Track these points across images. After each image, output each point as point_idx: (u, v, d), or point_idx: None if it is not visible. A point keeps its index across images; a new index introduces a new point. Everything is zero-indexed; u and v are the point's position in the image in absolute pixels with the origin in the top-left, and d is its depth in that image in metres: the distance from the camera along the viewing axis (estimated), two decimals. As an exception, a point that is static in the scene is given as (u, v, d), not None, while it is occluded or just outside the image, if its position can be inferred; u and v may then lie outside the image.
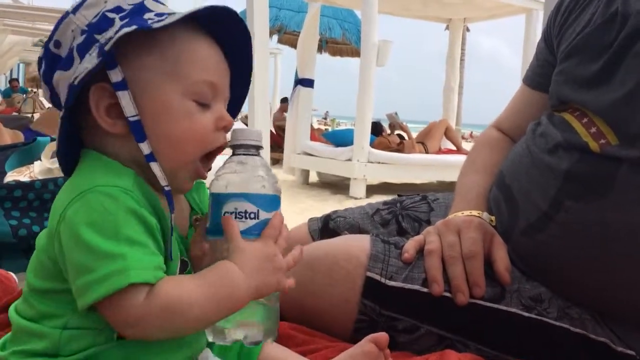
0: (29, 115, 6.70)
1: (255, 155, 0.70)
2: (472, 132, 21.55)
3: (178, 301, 0.59)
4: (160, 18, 0.65)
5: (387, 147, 5.96)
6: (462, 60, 8.24)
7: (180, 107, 0.66)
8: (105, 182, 0.61)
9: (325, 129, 9.63)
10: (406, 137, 6.49)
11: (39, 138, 1.55)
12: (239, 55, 0.75)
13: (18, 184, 1.22)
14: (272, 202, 0.68)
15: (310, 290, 0.93)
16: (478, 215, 0.96)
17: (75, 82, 0.62)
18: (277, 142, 7.12)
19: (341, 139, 6.13)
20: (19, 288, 0.91)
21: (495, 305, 0.88)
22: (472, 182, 1.08)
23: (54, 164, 1.43)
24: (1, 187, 1.20)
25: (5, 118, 4.13)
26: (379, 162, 5.66)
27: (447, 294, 0.88)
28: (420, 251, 0.92)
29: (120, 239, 0.58)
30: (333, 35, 9.92)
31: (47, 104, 9.57)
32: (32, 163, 1.49)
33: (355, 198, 5.46)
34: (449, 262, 0.89)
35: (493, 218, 0.98)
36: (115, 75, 0.64)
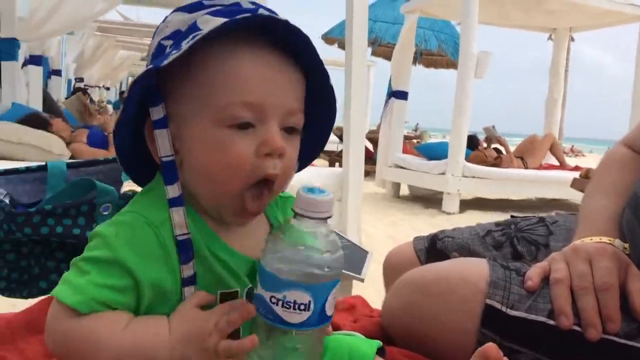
0: (137, 125, 7.10)
1: (322, 224, 0.59)
2: (573, 146, 20.44)
3: (96, 341, 0.60)
4: (184, 43, 0.61)
5: (484, 162, 5.77)
6: (565, 71, 7.82)
7: (213, 136, 0.62)
8: (141, 211, 0.64)
9: (417, 142, 9.48)
10: (504, 152, 6.25)
11: (152, 149, 1.61)
12: (312, 65, 0.68)
13: (134, 194, 1.27)
14: (329, 288, 0.59)
15: (421, 315, 0.89)
16: (610, 242, 0.88)
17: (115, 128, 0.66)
18: (368, 154, 7.10)
19: (435, 152, 6.01)
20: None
21: (631, 343, 0.80)
22: (601, 205, 0.99)
23: (167, 175, 1.49)
24: (120, 197, 1.25)
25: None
26: (474, 177, 5.49)
27: (576, 328, 0.81)
28: (545, 279, 0.86)
29: (97, 262, 0.62)
30: (429, 47, 9.78)
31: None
32: (146, 173, 1.56)
33: (448, 213, 5.32)
34: (579, 293, 0.81)
35: (627, 246, 0.89)
36: (157, 113, 0.64)
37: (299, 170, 0.75)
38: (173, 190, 0.64)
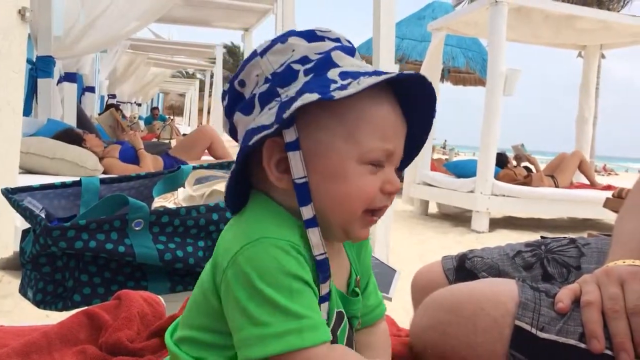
0: (167, 141, 7.23)
1: None
2: (605, 165, 20.02)
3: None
4: (344, 82, 0.63)
5: (513, 180, 5.70)
6: (596, 88, 7.71)
7: (356, 171, 0.66)
8: (276, 234, 0.62)
9: (446, 159, 9.41)
10: (534, 170, 6.16)
11: (182, 166, 1.64)
12: (419, 114, 0.72)
13: (166, 210, 1.29)
14: None
15: (451, 336, 0.88)
16: (643, 265, 0.86)
17: (250, 143, 0.63)
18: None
19: (463, 170, 5.97)
20: (167, 313, 0.96)
21: (665, 369, 0.78)
22: (635, 227, 0.97)
23: (197, 192, 1.51)
24: (151, 212, 1.28)
25: (146, 144, 4.49)
26: (504, 195, 5.43)
27: (608, 352, 0.79)
28: (576, 302, 0.84)
29: (293, 296, 0.60)
30: (456, 65, 9.76)
31: (183, 131, 10.31)
32: (177, 190, 1.59)
33: (478, 232, 5.26)
34: (611, 316, 0.80)
35: (661, 269, 0.87)
36: (290, 135, 0.64)
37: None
38: (307, 212, 0.65)
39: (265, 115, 0.64)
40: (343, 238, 0.71)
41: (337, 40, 0.69)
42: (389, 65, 3.11)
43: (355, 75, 0.64)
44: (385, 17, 3.06)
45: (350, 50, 0.69)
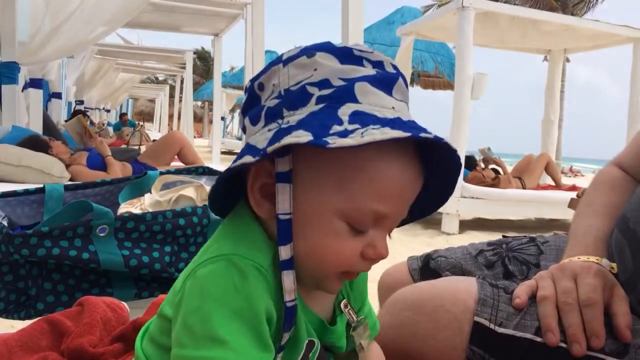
0: (137, 147, 7.15)
1: None
2: (572, 166, 20.48)
3: None
4: (349, 128, 0.54)
5: (482, 182, 5.80)
6: (561, 92, 7.89)
7: (329, 225, 0.59)
8: (245, 253, 0.58)
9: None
10: (501, 172, 6.28)
11: (149, 172, 1.63)
12: (440, 177, 0.64)
13: (131, 216, 1.28)
14: None
15: (413, 333, 0.90)
16: (597, 261, 0.90)
17: (232, 166, 0.58)
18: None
19: (433, 173, 6.03)
20: (131, 318, 0.95)
21: (618, 361, 0.81)
22: (590, 225, 1.01)
23: (163, 197, 1.51)
24: (116, 218, 1.27)
25: (115, 150, 4.43)
26: (473, 197, 5.51)
27: (563, 345, 0.82)
28: (532, 297, 0.87)
29: (232, 325, 0.55)
30: (425, 69, 9.88)
31: (153, 137, 10.20)
32: (143, 195, 1.58)
33: (448, 234, 5.33)
34: (564, 309, 0.83)
35: (614, 265, 0.91)
36: (282, 166, 0.58)
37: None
38: (286, 252, 0.60)
39: (264, 135, 0.58)
40: (313, 287, 0.64)
41: (379, 64, 0.61)
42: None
43: (367, 121, 0.55)
44: (353, 22, 3.09)
45: (388, 80, 0.60)
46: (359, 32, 3.17)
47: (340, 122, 0.55)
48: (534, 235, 1.21)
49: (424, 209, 0.68)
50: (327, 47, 0.60)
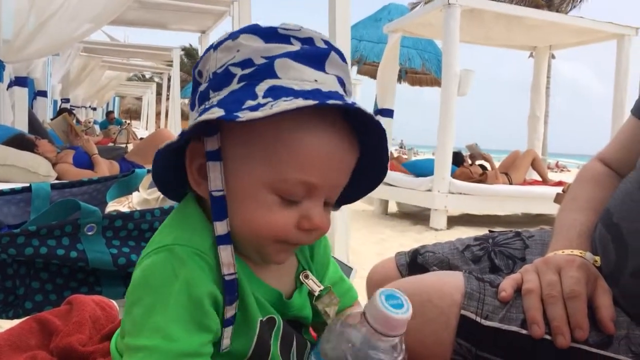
0: (124, 145, 7.10)
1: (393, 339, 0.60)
2: (558, 162, 20.67)
3: None
4: (262, 102, 0.57)
5: (469, 178, 5.83)
6: (547, 88, 7.96)
7: (260, 198, 0.61)
8: (184, 240, 0.61)
9: (405, 158, 9.55)
10: (489, 168, 6.32)
11: (137, 170, 1.63)
12: (373, 145, 0.65)
13: (119, 215, 1.28)
14: None
15: (401, 327, 0.91)
16: (580, 255, 0.91)
17: (161, 147, 0.60)
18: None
19: (421, 169, 6.06)
20: (120, 316, 0.95)
21: (602, 352, 0.82)
22: (574, 220, 1.02)
23: (151, 195, 1.51)
24: (104, 217, 1.26)
25: (102, 149, 4.41)
26: (461, 193, 5.54)
27: (548, 337, 0.83)
28: (518, 290, 0.88)
29: (168, 314, 0.57)
30: (413, 65, 9.91)
31: (140, 135, 10.14)
32: (131, 194, 1.57)
33: (436, 229, 5.36)
34: (549, 302, 0.84)
35: (597, 259, 0.92)
36: (211, 144, 0.61)
37: (340, 206, 0.76)
38: (222, 227, 0.61)
39: (192, 117, 0.62)
40: (259, 261, 0.66)
41: (308, 41, 0.62)
42: (344, 66, 3.14)
43: (281, 94, 0.57)
44: (340, 19, 3.09)
45: (316, 55, 0.62)
46: (345, 28, 3.17)
47: (255, 97, 0.57)
48: (519, 230, 1.23)
49: (365, 188, 0.72)
50: (251, 29, 0.62)
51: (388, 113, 6.43)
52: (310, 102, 0.55)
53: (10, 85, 5.24)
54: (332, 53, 0.63)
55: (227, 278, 0.61)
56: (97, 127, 10.92)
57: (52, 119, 7.18)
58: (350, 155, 0.63)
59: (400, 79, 9.71)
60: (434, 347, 0.87)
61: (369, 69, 10.27)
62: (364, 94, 16.21)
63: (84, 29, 4.81)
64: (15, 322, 0.97)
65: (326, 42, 0.64)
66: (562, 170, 20.59)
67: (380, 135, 0.64)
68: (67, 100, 11.25)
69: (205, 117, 0.56)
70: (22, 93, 5.31)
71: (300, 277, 0.73)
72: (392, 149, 9.30)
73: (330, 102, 0.56)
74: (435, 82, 10.34)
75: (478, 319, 0.85)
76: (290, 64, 0.59)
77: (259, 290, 0.66)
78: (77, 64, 10.66)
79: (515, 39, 6.81)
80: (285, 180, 0.60)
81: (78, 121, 8.90)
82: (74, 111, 9.10)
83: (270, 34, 0.62)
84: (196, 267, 0.59)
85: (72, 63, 9.83)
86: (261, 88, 0.58)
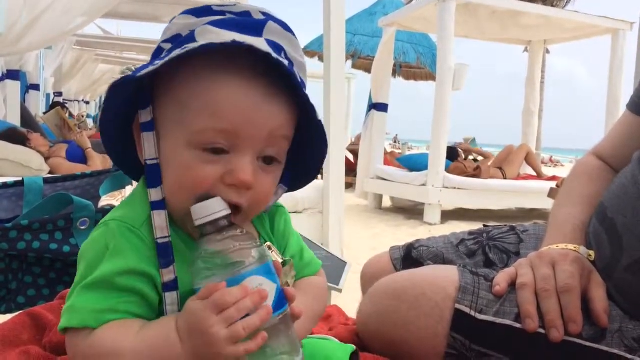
0: (117, 140, 7.05)
1: (217, 232, 0.60)
2: (551, 157, 20.73)
3: (112, 351, 0.59)
4: (163, 56, 0.61)
5: (463, 173, 5.84)
6: (541, 82, 7.97)
7: (182, 156, 0.62)
8: (120, 217, 0.64)
9: (399, 153, 9.56)
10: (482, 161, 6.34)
11: (130, 163, 1.62)
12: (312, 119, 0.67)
13: (112, 209, 1.27)
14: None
15: (395, 321, 0.91)
16: (575, 249, 0.91)
17: (106, 119, 0.66)
18: (350, 166, 7.14)
19: (415, 164, 6.07)
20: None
21: (595, 345, 0.83)
22: (568, 214, 1.02)
23: (145, 189, 1.50)
24: (97, 211, 1.26)
25: (95, 143, 4.38)
26: (455, 188, 5.56)
27: (542, 331, 0.83)
28: (512, 284, 0.88)
29: (92, 278, 0.61)
30: (407, 60, 9.89)
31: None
32: (124, 188, 1.56)
33: (430, 224, 5.37)
34: (543, 295, 0.84)
35: (592, 253, 0.93)
36: (145, 116, 0.64)
37: (292, 190, 0.77)
38: (156, 194, 0.64)
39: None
40: (192, 231, 0.66)
41: (244, 14, 0.64)
42: (339, 61, 3.14)
43: (180, 46, 0.60)
44: (335, 13, 3.08)
45: (248, 24, 0.63)
46: (340, 22, 3.17)
47: (162, 58, 0.60)
48: (514, 225, 1.23)
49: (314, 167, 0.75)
50: (187, 10, 0.66)
51: (382, 107, 6.43)
52: (197, 45, 0.58)
53: (2, 79, 5.21)
54: (270, 22, 0.64)
55: (159, 242, 0.63)
56: (90, 121, 10.86)
57: (44, 113, 7.12)
58: (275, 106, 0.63)
59: (394, 73, 9.69)
60: (428, 340, 0.87)
61: (364, 63, 10.25)
62: (358, 88, 16.18)
63: (77, 22, 4.77)
64: (8, 316, 0.96)
65: (265, 14, 0.65)
66: (556, 165, 20.68)
67: (301, 96, 0.64)
68: (60, 94, 11.19)
69: (112, 83, 0.60)
70: (14, 86, 5.27)
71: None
72: (386, 143, 9.29)
73: (222, 39, 0.58)
74: (430, 76, 10.33)
75: (472, 313, 0.86)
76: (210, 29, 0.61)
77: None
78: (70, 58, 10.59)
79: (510, 34, 6.81)
80: (200, 131, 0.61)
81: (71, 115, 8.85)
82: (66, 105, 9.04)
83: (203, 11, 0.64)
84: (125, 240, 0.62)
85: (65, 56, 9.76)
86: (176, 52, 0.59)
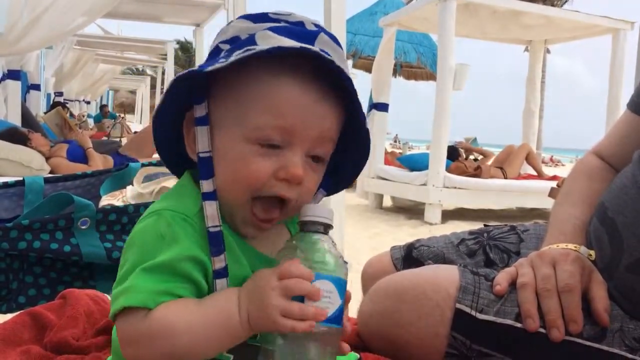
0: (118, 139, 7.07)
1: (322, 234, 0.66)
2: (552, 156, 20.72)
3: (170, 327, 0.60)
4: (230, 54, 0.63)
5: (464, 172, 5.83)
6: (542, 82, 7.96)
7: (239, 150, 0.65)
8: (172, 206, 0.66)
9: (399, 153, 9.56)
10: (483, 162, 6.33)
11: (130, 164, 1.62)
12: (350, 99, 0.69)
13: (113, 208, 1.28)
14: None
15: (396, 320, 0.91)
16: (575, 248, 0.91)
17: (160, 112, 0.68)
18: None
19: (416, 163, 6.07)
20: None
21: (596, 345, 0.83)
22: (569, 214, 1.02)
23: (145, 189, 1.50)
24: (98, 211, 1.26)
25: (96, 142, 4.39)
26: (455, 187, 5.55)
27: (542, 330, 0.83)
28: (513, 284, 0.88)
29: (154, 262, 0.62)
30: (408, 60, 9.88)
31: (134, 129, 10.10)
32: (125, 188, 1.57)
33: (430, 223, 5.37)
34: (543, 295, 0.84)
35: (592, 252, 0.93)
36: (200, 110, 0.66)
37: (329, 195, 0.79)
38: (208, 185, 0.66)
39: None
40: (245, 227, 0.69)
41: (298, 24, 0.67)
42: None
43: (244, 49, 0.62)
44: (336, 12, 3.08)
45: (303, 34, 0.66)
46: (341, 22, 3.16)
47: (229, 57, 0.62)
48: (514, 224, 1.23)
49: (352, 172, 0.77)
50: (244, 15, 0.68)
51: (383, 107, 6.43)
52: (264, 47, 0.60)
53: (2, 79, 5.21)
54: (322, 34, 0.67)
55: (211, 230, 0.65)
56: (91, 121, 10.87)
57: (45, 113, 7.14)
58: (325, 106, 0.66)
59: (395, 73, 9.69)
60: (429, 339, 0.87)
61: (364, 62, 10.24)
62: (359, 88, 16.06)
63: (77, 22, 4.77)
64: (9, 316, 0.96)
65: (317, 26, 0.68)
66: (556, 164, 20.68)
67: (354, 102, 0.68)
68: (61, 94, 11.20)
69: (177, 76, 0.63)
70: (15, 86, 5.27)
71: None
72: (387, 143, 9.30)
73: (288, 44, 0.61)
74: (431, 76, 10.32)
75: (473, 313, 0.86)
76: (270, 34, 0.64)
77: (251, 258, 0.69)
78: (71, 57, 10.60)
79: (511, 34, 6.80)
80: (258, 127, 0.64)
81: (72, 115, 8.86)
82: (67, 105, 9.05)
83: (260, 17, 0.67)
84: (180, 229, 0.64)
85: (66, 56, 9.77)
86: (238, 52, 0.62)
